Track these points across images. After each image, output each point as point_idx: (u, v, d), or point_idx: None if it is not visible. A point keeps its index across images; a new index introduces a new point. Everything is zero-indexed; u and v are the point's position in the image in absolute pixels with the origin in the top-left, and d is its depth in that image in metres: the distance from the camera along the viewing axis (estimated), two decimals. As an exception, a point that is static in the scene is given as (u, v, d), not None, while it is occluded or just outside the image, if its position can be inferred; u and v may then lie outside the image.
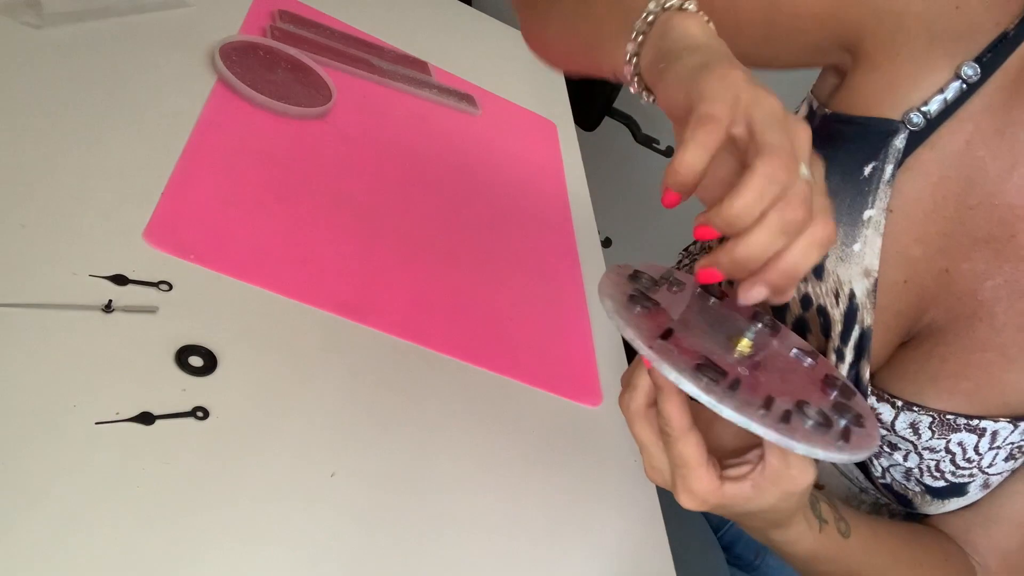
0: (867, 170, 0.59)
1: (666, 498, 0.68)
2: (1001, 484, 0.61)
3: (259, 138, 0.71)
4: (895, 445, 0.61)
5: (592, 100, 1.82)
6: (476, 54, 1.12)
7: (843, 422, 0.43)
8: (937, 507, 0.63)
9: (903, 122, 0.58)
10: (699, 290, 0.51)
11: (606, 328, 0.79)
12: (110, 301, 0.50)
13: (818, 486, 0.70)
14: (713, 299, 0.51)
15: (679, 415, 0.43)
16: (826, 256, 0.60)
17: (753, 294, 0.40)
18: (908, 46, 0.58)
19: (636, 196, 2.16)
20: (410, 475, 0.54)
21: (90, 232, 0.54)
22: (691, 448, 0.44)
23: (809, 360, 0.50)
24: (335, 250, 0.66)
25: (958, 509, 0.63)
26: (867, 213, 0.59)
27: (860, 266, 0.59)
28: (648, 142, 2.02)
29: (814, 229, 0.38)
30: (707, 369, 0.41)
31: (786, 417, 0.40)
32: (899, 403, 0.59)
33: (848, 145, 0.61)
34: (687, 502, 0.45)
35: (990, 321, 0.57)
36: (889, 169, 0.58)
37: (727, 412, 0.39)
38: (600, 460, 0.66)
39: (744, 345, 0.46)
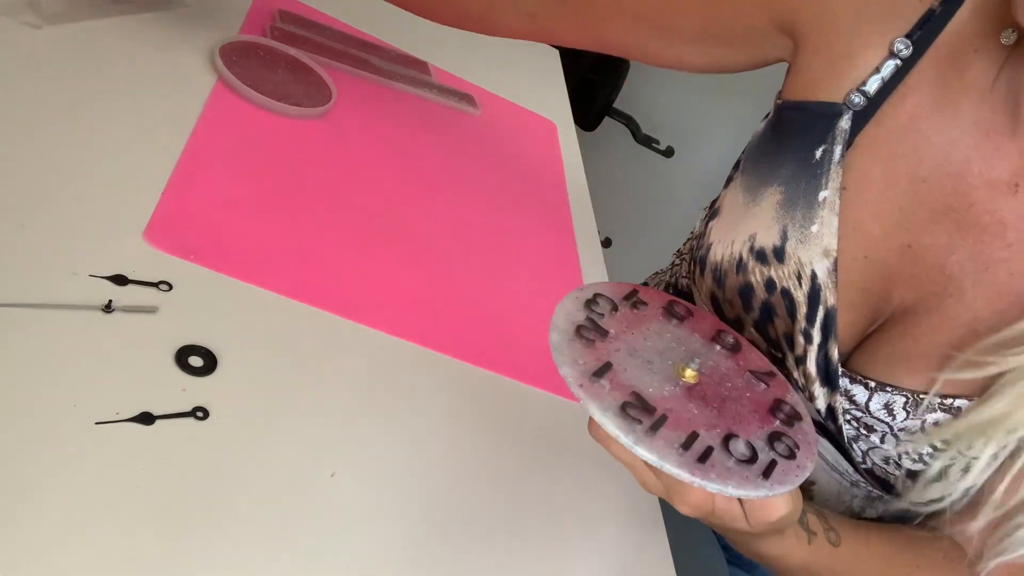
0: (818, 153, 0.61)
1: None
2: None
3: (259, 138, 0.71)
4: (871, 427, 0.61)
5: (592, 100, 1.82)
6: (476, 54, 1.12)
7: (771, 455, 0.44)
8: (920, 493, 0.63)
9: (845, 104, 0.60)
10: (663, 309, 0.52)
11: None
12: (110, 301, 0.50)
13: (809, 481, 0.70)
14: (675, 320, 0.51)
15: None
16: (786, 240, 0.62)
17: None
18: (837, 25, 0.60)
19: (636, 196, 2.16)
20: (410, 475, 0.54)
21: (90, 232, 0.54)
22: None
23: (762, 384, 0.50)
24: (335, 250, 0.66)
25: (946, 504, 0.63)
26: (821, 194, 0.60)
27: (819, 246, 0.60)
28: (648, 142, 2.02)
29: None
30: (632, 407, 0.42)
31: (706, 454, 0.41)
32: (872, 384, 0.60)
33: (799, 131, 0.63)
34: (685, 511, 0.48)
35: (959, 296, 0.57)
36: (838, 150, 0.60)
37: (641, 452, 0.40)
38: (600, 460, 0.66)
39: (688, 375, 0.46)
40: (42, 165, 0.56)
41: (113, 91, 0.65)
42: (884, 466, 0.63)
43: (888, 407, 0.60)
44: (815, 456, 0.46)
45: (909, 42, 0.58)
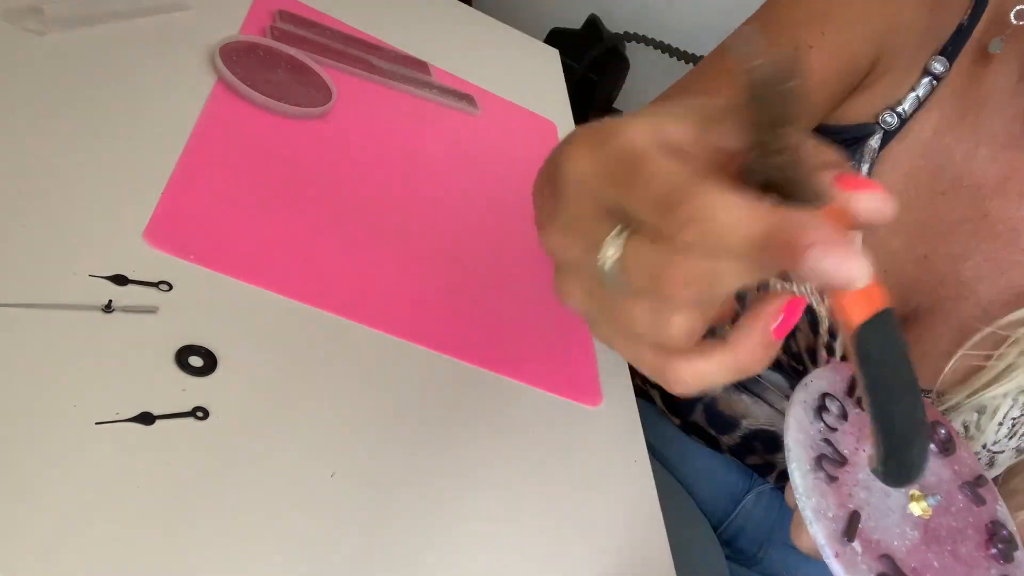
0: None
1: (665, 497, 0.68)
2: (1014, 466, 0.62)
3: (259, 138, 0.71)
4: None
5: (592, 100, 1.82)
6: (476, 54, 1.12)
7: None
8: None
9: (878, 123, 0.61)
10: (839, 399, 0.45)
11: (606, 328, 0.79)
12: (110, 301, 0.50)
13: None
14: None
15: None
16: None
17: None
18: (898, 54, 0.60)
19: (636, 196, 2.16)
20: (410, 475, 0.54)
21: (90, 232, 0.54)
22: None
23: (976, 498, 0.44)
24: (335, 250, 0.66)
25: None
26: None
27: None
28: None
29: None
30: None
31: None
32: None
33: None
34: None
35: (974, 300, 0.59)
36: (864, 168, 0.61)
37: None
38: (600, 460, 0.66)
39: (924, 510, 0.41)
40: (43, 165, 0.56)
41: (113, 92, 0.65)
42: None
43: None
44: None
45: (946, 59, 0.58)
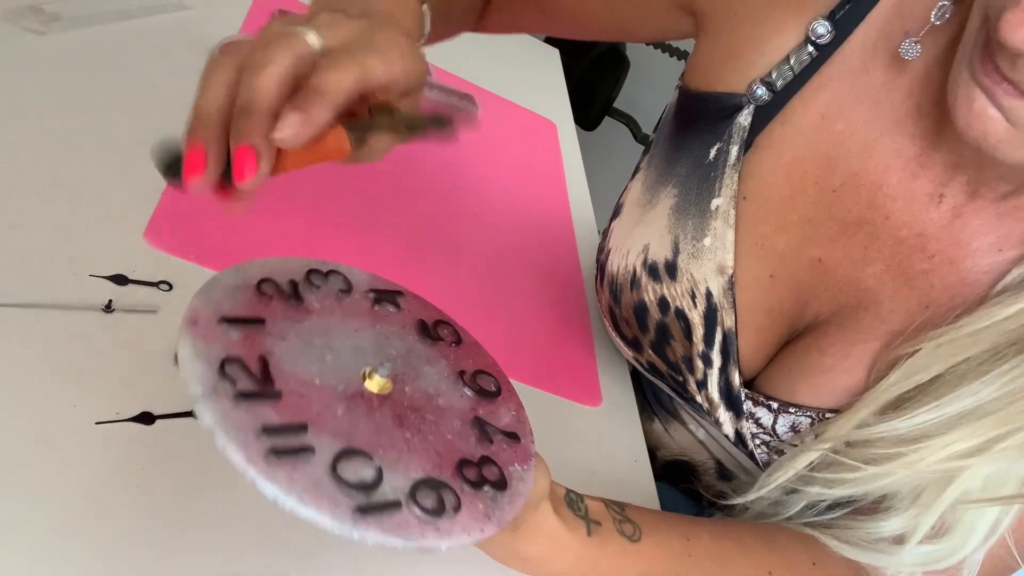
0: (712, 153, 0.52)
1: (664, 498, 0.68)
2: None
3: (259, 138, 0.71)
4: (781, 451, 0.55)
5: (592, 100, 1.82)
6: (476, 54, 1.12)
7: (402, 497, 0.32)
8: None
9: (747, 96, 0.51)
10: (418, 323, 0.42)
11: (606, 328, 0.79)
12: (110, 301, 0.50)
13: (743, 507, 0.63)
14: (427, 340, 0.42)
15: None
16: (678, 254, 0.53)
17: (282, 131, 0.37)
18: (743, 4, 0.51)
19: (636, 196, 2.15)
20: (410, 475, 0.54)
21: (90, 232, 0.54)
22: None
23: (484, 441, 0.39)
24: (334, 250, 0.66)
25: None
26: (714, 203, 0.52)
27: (713, 262, 0.52)
28: (648, 142, 2.02)
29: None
30: (238, 367, 0.32)
31: (295, 452, 0.30)
32: (774, 405, 0.53)
33: (696, 126, 0.54)
34: None
35: (876, 309, 0.51)
36: (735, 151, 0.51)
37: (199, 410, 0.30)
38: (600, 460, 0.66)
39: (374, 383, 0.36)
40: (43, 165, 0.56)
41: (114, 92, 0.65)
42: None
43: (795, 429, 0.53)
44: (481, 534, 0.34)
45: (830, 25, 0.48)
